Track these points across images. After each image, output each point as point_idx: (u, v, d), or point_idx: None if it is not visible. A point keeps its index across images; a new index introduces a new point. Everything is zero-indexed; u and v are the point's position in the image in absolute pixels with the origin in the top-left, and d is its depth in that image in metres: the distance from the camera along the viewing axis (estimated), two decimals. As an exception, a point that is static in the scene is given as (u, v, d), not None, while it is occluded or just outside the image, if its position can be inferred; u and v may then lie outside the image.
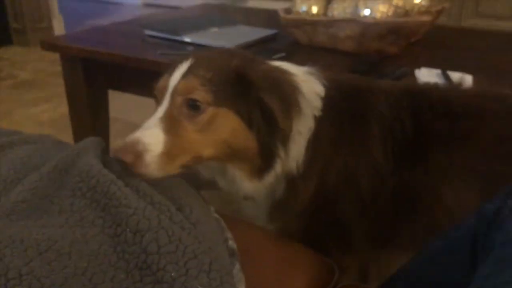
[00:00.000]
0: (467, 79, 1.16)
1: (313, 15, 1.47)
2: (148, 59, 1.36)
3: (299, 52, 1.47)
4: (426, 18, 1.36)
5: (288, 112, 0.67)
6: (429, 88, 0.80)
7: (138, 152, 0.61)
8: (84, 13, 4.71)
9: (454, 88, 0.85)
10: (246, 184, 0.72)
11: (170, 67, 0.71)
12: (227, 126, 0.67)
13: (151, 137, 0.63)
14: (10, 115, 2.32)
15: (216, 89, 0.66)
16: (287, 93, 0.68)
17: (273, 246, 0.74)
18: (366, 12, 1.34)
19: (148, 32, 1.65)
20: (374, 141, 0.72)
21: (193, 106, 0.65)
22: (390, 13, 1.33)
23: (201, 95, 0.65)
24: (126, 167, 0.60)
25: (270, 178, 0.71)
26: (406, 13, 1.40)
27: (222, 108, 0.66)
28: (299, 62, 1.36)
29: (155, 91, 0.70)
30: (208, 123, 0.66)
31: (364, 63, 1.28)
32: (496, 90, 0.81)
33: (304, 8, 1.51)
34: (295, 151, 0.72)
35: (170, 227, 0.56)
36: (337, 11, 1.44)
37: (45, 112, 2.33)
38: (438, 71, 1.21)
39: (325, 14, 1.49)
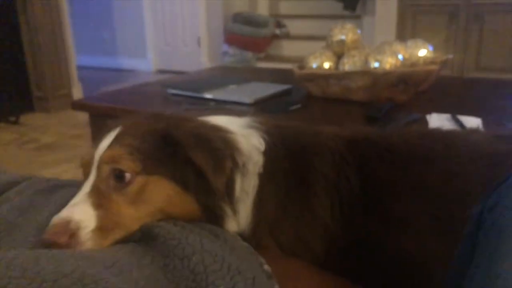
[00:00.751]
0: (477, 122, 1.23)
1: (325, 69, 1.58)
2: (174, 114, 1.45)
3: (313, 103, 1.56)
4: (432, 67, 1.45)
5: (219, 168, 0.62)
6: (375, 136, 0.76)
7: (71, 231, 0.57)
8: (100, 81, 4.96)
9: (399, 132, 0.82)
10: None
11: (96, 140, 0.67)
12: (161, 194, 0.62)
13: (81, 213, 0.59)
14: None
15: (144, 157, 0.61)
16: (216, 148, 0.63)
17: (306, 275, 0.76)
18: (376, 64, 1.44)
19: (171, 91, 1.76)
20: (319, 202, 0.68)
21: (120, 177, 0.61)
22: (398, 64, 1.43)
23: (127, 164, 0.60)
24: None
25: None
26: (413, 64, 1.50)
27: (152, 176, 0.62)
28: (314, 113, 1.46)
29: (81, 165, 0.66)
30: (138, 194, 0.61)
31: (377, 110, 1.36)
32: (439, 130, 0.80)
33: (315, 64, 1.62)
34: (244, 211, 0.67)
35: (213, 250, 0.60)
36: (348, 65, 1.55)
37: (67, 171, 2.42)
38: (448, 115, 1.28)
39: (336, 68, 1.59)
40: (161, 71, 5.62)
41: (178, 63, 5.51)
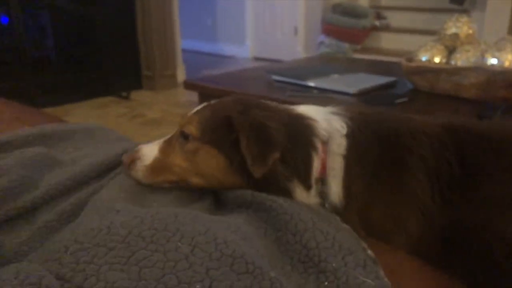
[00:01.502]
0: None
1: (436, 63, 1.54)
2: (279, 99, 1.51)
3: (420, 98, 1.53)
4: (557, 67, 1.35)
5: (260, 158, 0.67)
6: (469, 124, 0.79)
7: (134, 158, 0.74)
8: (200, 64, 5.22)
9: (494, 123, 0.85)
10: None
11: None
12: (207, 160, 0.72)
13: (148, 150, 0.75)
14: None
15: (207, 129, 0.72)
16: (266, 139, 0.68)
17: (410, 270, 0.76)
18: (493, 61, 1.38)
19: (275, 77, 1.83)
20: (418, 184, 0.70)
21: (185, 137, 0.73)
22: (518, 62, 1.36)
23: (191, 129, 0.72)
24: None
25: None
26: (535, 63, 1.40)
27: (206, 144, 0.72)
28: (421, 108, 1.43)
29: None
30: (192, 154, 0.72)
31: (490, 110, 1.30)
32: None
33: (425, 57, 1.59)
34: (335, 187, 0.72)
35: (324, 228, 0.64)
36: (461, 60, 1.49)
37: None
38: None
39: (447, 63, 1.54)
40: (258, 59, 5.76)
41: (274, 51, 5.59)
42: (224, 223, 0.63)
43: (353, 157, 0.72)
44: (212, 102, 0.78)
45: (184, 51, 4.47)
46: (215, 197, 0.78)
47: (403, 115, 0.80)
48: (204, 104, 0.78)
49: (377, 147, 0.73)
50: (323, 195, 0.73)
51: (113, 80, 3.86)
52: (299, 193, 0.73)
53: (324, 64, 2.25)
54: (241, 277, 0.53)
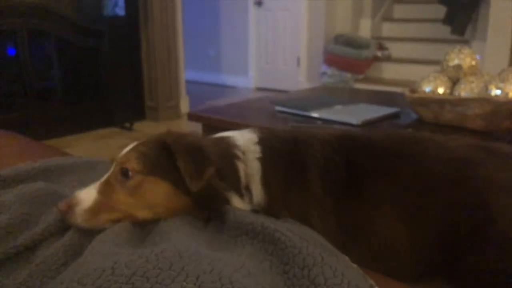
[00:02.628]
0: None
1: (439, 94, 1.53)
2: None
3: (425, 129, 1.52)
4: None
5: (197, 174, 0.73)
6: (361, 134, 0.93)
7: (71, 205, 0.73)
8: (204, 95, 5.26)
9: (379, 132, 0.97)
10: None
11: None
12: (157, 191, 0.75)
13: (85, 194, 0.75)
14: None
15: (148, 161, 0.75)
16: (200, 157, 0.75)
17: None
18: (497, 92, 1.37)
19: (278, 108, 1.83)
20: (314, 181, 0.80)
21: (125, 174, 0.75)
22: (523, 93, 1.35)
23: (131, 165, 0.74)
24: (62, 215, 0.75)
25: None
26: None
27: (149, 176, 0.75)
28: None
29: (110, 162, 0.83)
30: (136, 188, 0.75)
31: (496, 140, 1.29)
32: (416, 134, 0.95)
33: (429, 88, 1.59)
34: (255, 189, 0.80)
35: (333, 263, 0.62)
36: (465, 91, 1.49)
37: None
38: None
39: (451, 93, 1.54)
40: (260, 89, 5.81)
41: (277, 81, 5.65)
42: (229, 261, 0.61)
43: (266, 160, 0.82)
44: (140, 141, 0.82)
45: (187, 81, 4.51)
46: (220, 220, 0.77)
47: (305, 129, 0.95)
48: (134, 143, 0.81)
49: (283, 151, 0.84)
50: (250, 200, 0.80)
51: (117, 111, 3.88)
52: (236, 201, 0.79)
53: (327, 95, 2.26)
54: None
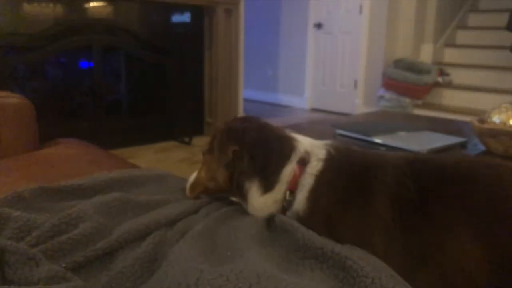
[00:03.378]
0: None
1: (511, 126, 1.50)
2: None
3: (493, 161, 1.49)
4: None
5: (221, 151, 0.89)
6: (428, 158, 0.94)
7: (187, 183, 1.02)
8: (260, 113, 5.34)
9: (450, 157, 0.99)
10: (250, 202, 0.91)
11: None
12: (209, 166, 0.94)
13: (193, 174, 1.00)
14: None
15: (211, 144, 0.94)
16: (222, 138, 0.91)
17: None
18: None
19: (339, 131, 1.85)
20: (381, 206, 0.81)
21: (204, 156, 0.96)
22: None
23: (205, 147, 0.96)
24: None
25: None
26: None
27: (208, 155, 0.95)
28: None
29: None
30: (207, 166, 0.94)
31: None
32: (487, 159, 0.96)
33: (499, 120, 1.55)
34: (299, 198, 0.86)
35: None
36: (538, 124, 1.45)
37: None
38: None
39: (523, 126, 1.50)
40: (316, 110, 5.83)
41: (333, 103, 5.65)
42: (303, 285, 0.64)
43: (324, 178, 0.85)
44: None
45: (244, 99, 4.62)
46: (288, 241, 0.80)
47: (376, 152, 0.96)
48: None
49: (349, 172, 0.87)
50: (288, 203, 0.86)
51: (177, 125, 4.05)
52: (254, 193, 0.88)
53: (388, 120, 2.25)
54: None
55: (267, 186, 0.87)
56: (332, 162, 0.87)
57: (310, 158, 0.87)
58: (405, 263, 0.79)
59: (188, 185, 1.00)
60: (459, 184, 0.83)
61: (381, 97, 4.87)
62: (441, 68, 4.89)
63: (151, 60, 3.94)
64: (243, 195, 0.90)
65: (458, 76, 4.89)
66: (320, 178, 0.85)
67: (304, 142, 0.91)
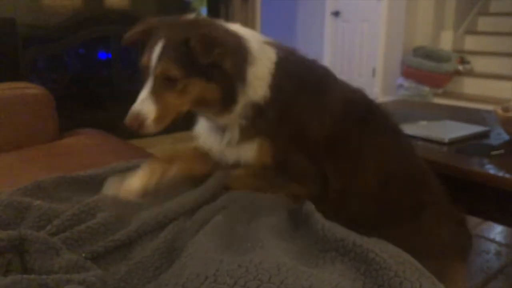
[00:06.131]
0: None
1: (536, 114, 1.45)
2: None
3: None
4: None
5: (207, 51, 0.86)
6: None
7: (141, 121, 0.88)
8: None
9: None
10: (220, 118, 0.98)
11: (148, 45, 0.93)
12: (196, 89, 0.90)
13: (146, 108, 0.89)
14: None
15: (183, 65, 0.88)
16: (210, 38, 0.88)
17: None
18: None
19: (359, 120, 1.82)
20: (332, 104, 1.03)
21: (170, 80, 0.88)
22: None
23: (174, 73, 0.88)
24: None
25: (238, 109, 0.94)
26: None
27: (190, 78, 0.89)
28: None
29: (140, 66, 0.94)
30: (182, 91, 0.89)
31: None
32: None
33: (524, 107, 1.51)
34: (260, 89, 0.95)
35: None
36: None
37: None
38: None
39: (550, 114, 1.45)
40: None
41: (350, 92, 5.58)
42: (324, 278, 0.63)
43: (280, 67, 0.98)
44: (162, 40, 0.90)
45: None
46: (307, 231, 0.79)
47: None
48: (159, 42, 0.90)
49: (300, 67, 1.05)
50: (247, 96, 0.94)
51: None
52: (242, 92, 0.94)
53: (409, 109, 2.21)
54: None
55: (242, 81, 0.94)
56: (283, 58, 1.00)
57: (261, 49, 0.98)
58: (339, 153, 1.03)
59: (149, 121, 0.89)
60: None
61: (400, 86, 4.79)
62: (462, 55, 4.78)
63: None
64: (236, 97, 0.93)
65: (479, 64, 4.77)
66: (277, 66, 0.98)
67: (245, 34, 0.99)
